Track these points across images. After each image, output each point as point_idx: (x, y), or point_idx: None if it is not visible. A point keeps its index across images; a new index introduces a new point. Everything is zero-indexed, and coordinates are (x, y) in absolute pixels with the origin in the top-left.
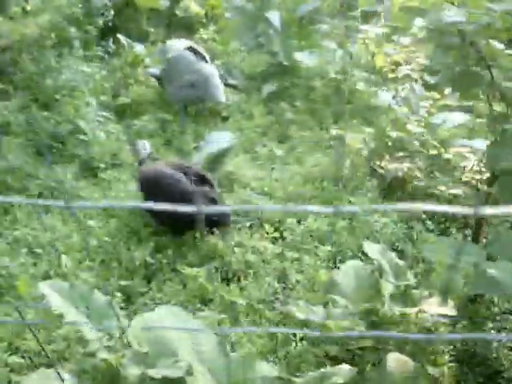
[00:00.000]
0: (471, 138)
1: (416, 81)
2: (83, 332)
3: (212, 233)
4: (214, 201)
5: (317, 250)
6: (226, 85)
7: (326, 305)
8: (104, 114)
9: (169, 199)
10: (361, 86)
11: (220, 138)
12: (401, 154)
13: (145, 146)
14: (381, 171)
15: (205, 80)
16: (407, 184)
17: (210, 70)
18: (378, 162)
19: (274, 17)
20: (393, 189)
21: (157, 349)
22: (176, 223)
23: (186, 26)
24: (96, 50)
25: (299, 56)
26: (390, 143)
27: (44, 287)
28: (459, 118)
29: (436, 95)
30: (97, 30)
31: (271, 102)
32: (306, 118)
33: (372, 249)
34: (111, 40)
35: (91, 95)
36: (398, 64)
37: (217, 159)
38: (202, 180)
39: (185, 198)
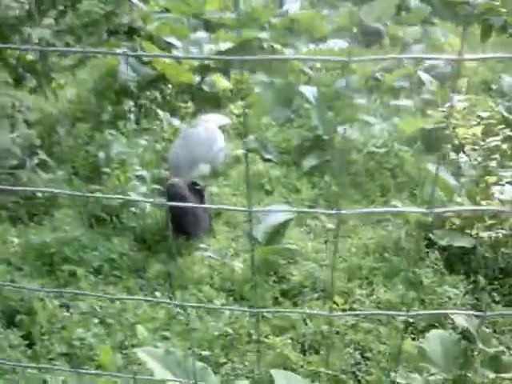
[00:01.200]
0: None
1: (505, 152)
2: None
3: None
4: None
5: (391, 320)
6: (263, 159)
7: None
8: (153, 186)
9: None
10: (408, 158)
11: (277, 211)
12: (490, 222)
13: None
14: (441, 242)
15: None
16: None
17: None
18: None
19: (309, 91)
20: (453, 261)
21: None
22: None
23: (214, 101)
24: (142, 124)
25: (340, 130)
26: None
27: (141, 354)
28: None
29: None
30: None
31: (313, 175)
32: (351, 192)
33: (458, 317)
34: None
35: (139, 168)
36: (477, 136)
37: (277, 231)
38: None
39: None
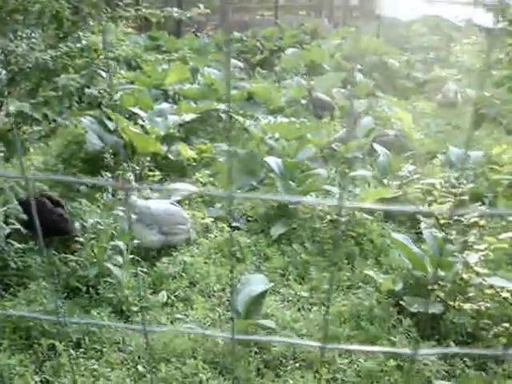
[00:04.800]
0: None
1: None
2: None
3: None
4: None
5: None
6: (231, 227)
7: None
8: (130, 256)
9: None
10: (371, 227)
11: (255, 281)
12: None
13: None
14: (412, 310)
15: None
16: (439, 322)
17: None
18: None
19: (274, 162)
20: (425, 327)
21: None
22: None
23: (179, 170)
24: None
25: (304, 199)
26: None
27: None
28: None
29: None
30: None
31: (281, 243)
32: (319, 259)
33: None
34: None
35: (115, 239)
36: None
37: (255, 302)
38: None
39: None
